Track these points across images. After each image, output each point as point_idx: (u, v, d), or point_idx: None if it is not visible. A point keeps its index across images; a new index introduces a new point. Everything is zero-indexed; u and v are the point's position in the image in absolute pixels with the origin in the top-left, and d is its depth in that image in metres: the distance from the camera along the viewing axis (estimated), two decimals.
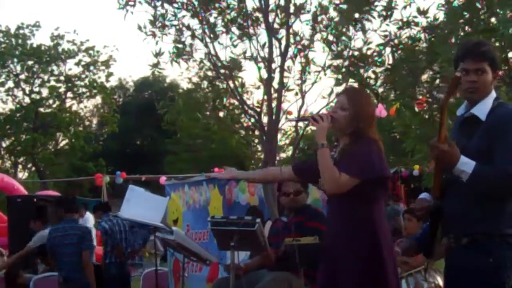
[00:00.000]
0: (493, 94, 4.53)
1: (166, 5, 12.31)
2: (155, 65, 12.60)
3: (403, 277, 6.57)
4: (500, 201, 4.34)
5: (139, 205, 8.73)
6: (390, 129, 42.44)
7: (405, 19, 10.80)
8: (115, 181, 26.38)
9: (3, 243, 16.34)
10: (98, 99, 43.12)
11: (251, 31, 12.22)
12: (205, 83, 13.78)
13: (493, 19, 9.79)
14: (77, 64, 39.71)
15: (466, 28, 9.82)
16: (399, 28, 10.68)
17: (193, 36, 12.34)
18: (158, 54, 12.31)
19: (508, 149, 4.26)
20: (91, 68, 40.05)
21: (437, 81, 11.27)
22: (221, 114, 13.64)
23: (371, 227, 4.88)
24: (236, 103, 13.32)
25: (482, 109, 4.48)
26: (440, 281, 6.56)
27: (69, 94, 40.61)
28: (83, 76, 40.06)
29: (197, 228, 11.59)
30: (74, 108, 41.47)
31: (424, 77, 11.55)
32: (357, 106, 5.00)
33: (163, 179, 25.89)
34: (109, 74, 40.81)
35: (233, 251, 6.59)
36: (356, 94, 5.24)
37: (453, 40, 9.71)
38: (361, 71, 10.64)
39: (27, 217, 13.12)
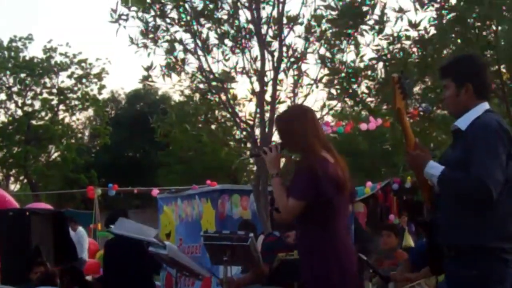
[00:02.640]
0: (482, 106, 4.61)
1: (158, 20, 12.34)
2: (146, 79, 12.61)
3: None
4: (483, 213, 4.36)
5: (131, 227, 8.80)
6: (382, 142, 42.68)
7: (395, 34, 10.88)
8: (107, 193, 26.34)
9: None
10: (90, 112, 43.08)
11: (243, 44, 12.27)
12: (197, 96, 13.81)
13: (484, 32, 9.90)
14: (70, 76, 39.70)
15: (458, 41, 9.93)
16: (390, 44, 10.73)
17: (185, 50, 12.37)
18: (149, 68, 12.33)
19: (478, 157, 4.32)
20: (84, 80, 40.02)
21: (429, 94, 11.39)
22: (213, 127, 13.66)
23: (322, 250, 4.87)
24: (228, 115, 13.30)
25: (464, 121, 4.58)
26: None
27: (62, 107, 40.59)
28: (75, 88, 40.04)
29: (190, 242, 11.63)
30: (67, 120, 41.46)
31: (416, 89, 11.64)
32: (284, 129, 5.16)
33: (155, 191, 25.95)
34: (102, 87, 40.80)
35: (226, 265, 6.61)
36: (281, 117, 5.39)
37: (444, 53, 9.83)
38: (355, 86, 10.69)
39: (19, 231, 13.04)
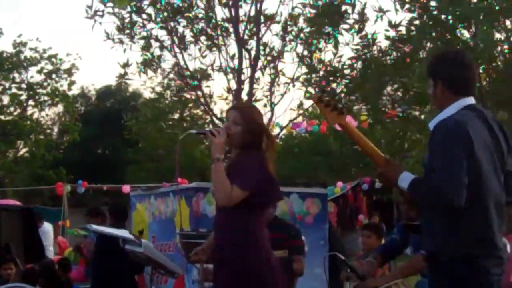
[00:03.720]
0: (458, 104, 4.45)
1: (134, 16, 12.22)
2: (122, 76, 12.48)
3: None
4: (454, 219, 4.24)
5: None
6: (353, 142, 42.89)
7: (372, 35, 10.87)
8: (76, 190, 26.10)
9: None
10: (59, 108, 42.75)
11: (220, 41, 12.20)
12: (168, 93, 13.71)
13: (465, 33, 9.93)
14: (39, 72, 39.26)
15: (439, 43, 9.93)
16: (367, 46, 10.71)
17: (161, 47, 12.27)
18: (126, 65, 12.19)
19: (437, 163, 4.21)
20: (53, 76, 39.65)
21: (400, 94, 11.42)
22: (185, 124, 13.60)
23: (253, 237, 5.08)
24: (203, 114, 13.28)
25: (434, 121, 4.45)
26: None
27: (31, 102, 40.19)
28: (45, 84, 39.65)
29: (163, 240, 11.52)
30: (36, 116, 41.07)
31: (388, 89, 11.64)
32: (249, 121, 5.15)
33: (126, 188, 25.73)
34: (72, 83, 40.40)
35: (202, 264, 6.55)
36: (248, 110, 5.44)
37: (423, 55, 9.82)
38: (334, 85, 10.66)
39: None
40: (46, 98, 40.06)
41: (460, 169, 4.15)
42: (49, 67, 39.39)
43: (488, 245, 4.29)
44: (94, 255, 10.06)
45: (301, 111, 12.05)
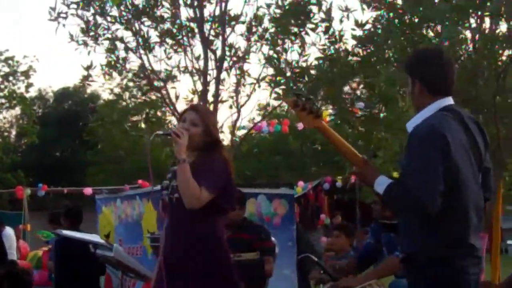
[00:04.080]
0: (436, 105, 4.40)
1: (98, 18, 12.13)
2: (86, 78, 12.38)
3: None
4: (430, 221, 4.20)
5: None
6: (312, 141, 42.97)
7: (339, 33, 10.91)
8: (36, 193, 25.85)
9: None
10: (17, 110, 42.28)
11: (185, 42, 12.17)
12: (127, 94, 13.67)
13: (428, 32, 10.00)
14: None
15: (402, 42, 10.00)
16: (333, 43, 10.75)
17: (126, 49, 12.20)
18: (89, 67, 12.10)
19: (412, 168, 4.18)
20: (10, 78, 39.23)
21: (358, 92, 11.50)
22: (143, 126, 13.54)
23: (214, 239, 5.05)
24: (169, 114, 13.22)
25: (411, 123, 4.43)
26: None
27: None
28: (2, 86, 39.17)
29: (130, 243, 11.46)
30: None
31: (346, 88, 11.72)
32: (207, 121, 5.15)
33: (88, 190, 25.54)
34: (29, 85, 40.01)
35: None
36: (206, 111, 5.47)
37: (389, 54, 9.91)
38: (301, 86, 10.68)
39: None
40: (3, 100, 39.61)
41: (435, 174, 4.12)
42: (6, 69, 38.94)
43: (466, 245, 4.28)
44: (57, 259, 9.96)
45: (267, 112, 12.07)
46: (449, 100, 4.48)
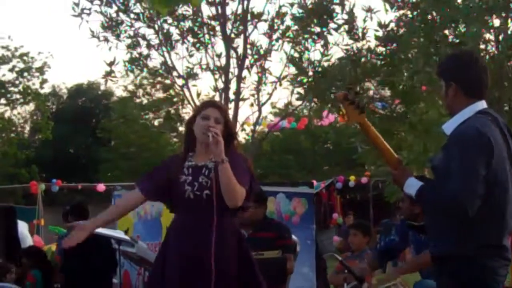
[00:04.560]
0: (473, 108, 4.43)
1: (121, 15, 12.19)
2: (108, 74, 12.43)
3: None
4: (463, 222, 4.23)
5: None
6: (324, 140, 42.95)
7: (361, 31, 10.91)
8: (50, 189, 25.96)
9: None
10: (31, 106, 42.40)
11: (206, 40, 12.23)
12: (140, 91, 13.72)
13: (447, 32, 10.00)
14: (11, 70, 38.92)
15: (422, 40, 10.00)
16: (356, 40, 10.75)
17: (148, 46, 12.25)
18: (112, 63, 12.15)
19: (456, 171, 4.18)
20: (25, 74, 39.36)
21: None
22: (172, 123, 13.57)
23: (241, 235, 5.18)
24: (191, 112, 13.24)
25: (449, 125, 4.46)
26: None
27: (2, 100, 39.85)
28: (16, 82, 39.34)
29: (149, 240, 11.49)
30: (7, 114, 40.75)
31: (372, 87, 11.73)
32: (228, 118, 5.21)
33: (101, 187, 25.64)
34: (43, 81, 40.17)
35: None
36: (224, 107, 5.46)
37: (413, 54, 9.91)
38: (323, 86, 10.68)
39: None
40: (18, 96, 39.75)
41: (477, 180, 4.15)
42: (21, 65, 39.07)
43: (498, 247, 4.32)
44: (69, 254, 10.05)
45: (285, 112, 12.12)
46: (484, 104, 4.52)
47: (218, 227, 4.97)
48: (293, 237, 8.23)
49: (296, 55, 11.46)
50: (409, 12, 10.29)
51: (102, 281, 9.94)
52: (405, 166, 4.60)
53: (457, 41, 9.57)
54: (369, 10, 10.56)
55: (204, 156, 5.17)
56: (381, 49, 10.76)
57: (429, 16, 10.09)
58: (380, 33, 10.60)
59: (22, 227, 16.58)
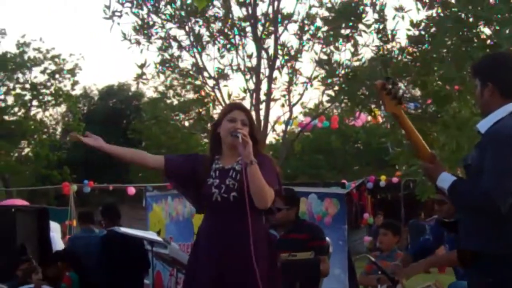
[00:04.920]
0: (507, 108, 4.43)
1: (153, 17, 12.26)
2: (140, 76, 12.50)
3: None
4: (497, 220, 4.22)
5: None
6: (355, 140, 42.84)
7: (391, 32, 10.86)
8: (82, 190, 26.16)
9: None
10: (63, 107, 42.71)
11: (237, 41, 12.26)
12: (170, 93, 13.77)
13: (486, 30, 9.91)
14: (43, 72, 39.29)
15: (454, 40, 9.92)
16: (385, 42, 10.71)
17: (179, 47, 12.31)
18: (143, 65, 12.22)
19: (489, 168, 4.18)
20: (57, 76, 39.68)
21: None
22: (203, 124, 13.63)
23: (268, 238, 5.18)
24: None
25: (484, 124, 4.46)
26: None
27: (35, 102, 40.19)
28: (48, 84, 39.67)
29: (181, 241, 11.54)
30: (39, 116, 41.09)
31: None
32: (252, 120, 5.25)
33: (131, 190, 25.78)
34: (75, 83, 40.52)
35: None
36: (248, 109, 5.45)
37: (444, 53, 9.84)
38: (354, 87, 10.63)
39: (4, 228, 12.87)
40: (49, 98, 40.08)
41: (510, 178, 4.17)
42: (53, 67, 39.43)
43: None
44: (103, 254, 10.17)
45: (316, 113, 12.14)
46: None
47: (252, 229, 4.94)
48: (326, 238, 8.22)
49: (324, 57, 11.43)
50: (440, 11, 10.20)
51: (134, 281, 10.04)
52: (439, 161, 4.60)
53: (490, 42, 9.48)
54: (400, 9, 10.50)
55: (231, 159, 5.20)
56: (412, 48, 10.69)
57: (462, 14, 10.01)
58: (411, 33, 10.53)
59: (54, 228, 16.72)
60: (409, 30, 10.58)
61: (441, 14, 9.98)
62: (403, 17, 10.63)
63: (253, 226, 4.94)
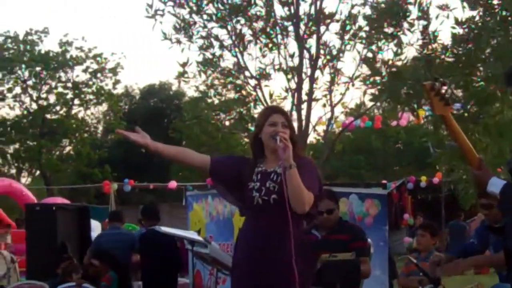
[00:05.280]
0: None
1: (195, 16, 12.26)
2: (182, 75, 12.53)
3: None
4: None
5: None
6: (395, 140, 42.64)
7: (431, 34, 10.78)
8: (122, 188, 26.32)
9: (16, 250, 16.30)
10: (104, 106, 42.99)
11: (279, 40, 12.26)
12: (211, 92, 13.81)
13: None
14: (85, 71, 39.62)
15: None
16: (427, 44, 10.62)
17: (221, 46, 12.33)
18: (185, 64, 12.24)
19: None
20: (98, 75, 39.97)
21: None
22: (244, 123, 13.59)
23: (302, 242, 5.10)
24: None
25: None
26: None
27: (76, 101, 40.51)
28: (90, 83, 39.98)
29: (221, 240, 11.49)
30: (81, 115, 41.43)
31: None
32: (292, 123, 5.21)
33: (172, 184, 25.80)
34: (116, 82, 40.79)
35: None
36: (286, 112, 5.43)
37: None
38: (397, 86, 10.56)
39: (46, 226, 13.00)
40: (91, 97, 40.39)
41: None
42: (94, 66, 39.76)
43: None
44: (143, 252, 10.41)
45: (359, 113, 12.10)
46: None
47: (293, 232, 4.92)
48: (368, 239, 8.14)
49: (370, 55, 11.34)
50: (479, 11, 10.10)
51: (166, 280, 10.21)
52: (486, 166, 4.51)
53: None
54: (445, 7, 10.39)
55: (273, 162, 5.18)
56: (455, 48, 10.58)
57: (508, 14, 9.89)
58: (456, 31, 10.42)
59: (95, 227, 16.85)
60: (454, 28, 10.47)
61: (485, 14, 9.89)
62: (447, 16, 10.52)
63: (293, 229, 4.91)
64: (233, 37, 12.37)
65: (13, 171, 42.80)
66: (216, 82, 13.71)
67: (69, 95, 40.06)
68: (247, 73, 12.59)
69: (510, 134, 9.45)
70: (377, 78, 10.93)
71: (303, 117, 12.60)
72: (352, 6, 12.19)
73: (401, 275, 8.66)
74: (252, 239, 5.13)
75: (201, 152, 5.30)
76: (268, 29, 12.48)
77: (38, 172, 42.93)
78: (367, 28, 11.69)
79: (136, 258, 10.58)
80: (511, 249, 4.42)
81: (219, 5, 12.25)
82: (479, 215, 19.31)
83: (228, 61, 12.75)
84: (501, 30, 9.65)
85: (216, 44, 12.46)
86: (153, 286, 10.22)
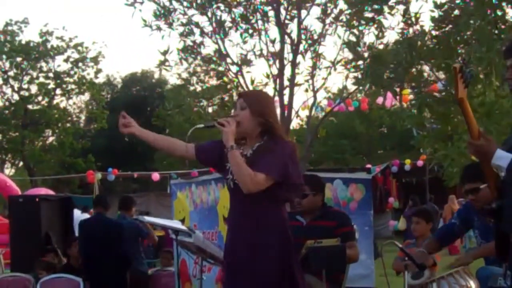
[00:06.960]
0: None
1: (174, 3, 12.17)
2: (162, 63, 12.46)
3: (435, 279, 6.48)
4: None
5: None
6: (379, 124, 42.67)
7: (413, 16, 10.76)
8: (106, 178, 26.25)
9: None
10: (86, 96, 42.87)
11: (259, 26, 12.19)
12: (194, 79, 13.73)
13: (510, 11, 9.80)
14: (66, 60, 39.47)
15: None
16: (410, 25, 10.60)
17: (202, 33, 12.26)
18: (166, 52, 12.17)
19: None
20: (80, 64, 39.81)
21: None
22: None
23: (281, 228, 4.99)
24: None
25: None
26: (473, 284, 6.44)
27: (58, 91, 40.35)
28: (72, 72, 39.82)
29: (205, 228, 11.45)
30: (63, 104, 41.26)
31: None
32: (254, 103, 5.04)
33: (155, 176, 25.81)
34: (98, 71, 40.64)
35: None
36: (252, 93, 5.43)
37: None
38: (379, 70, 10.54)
39: (29, 217, 12.94)
40: (73, 86, 40.25)
41: None
42: (76, 55, 39.62)
43: None
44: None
45: (341, 97, 12.04)
46: None
47: (255, 216, 4.96)
48: (353, 224, 8.11)
49: (353, 38, 11.31)
50: None
51: (125, 269, 10.34)
52: (490, 137, 4.41)
53: None
54: None
55: (248, 146, 5.15)
56: (435, 32, 10.57)
57: None
58: (435, 14, 10.40)
59: (78, 217, 16.78)
60: (432, 11, 10.45)
61: None
62: (426, 0, 10.51)
63: (260, 213, 4.95)
64: (214, 24, 12.30)
65: None
66: (198, 69, 13.65)
67: (51, 85, 39.89)
68: (228, 60, 12.54)
69: (495, 115, 9.42)
70: (360, 62, 10.89)
71: (286, 102, 12.56)
72: None
73: (396, 259, 8.62)
74: (231, 219, 5.20)
75: (184, 140, 5.26)
76: (248, 15, 12.41)
77: (21, 163, 42.78)
78: (348, 12, 11.65)
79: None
80: (508, 233, 4.33)
81: None
82: (449, 203, 19.39)
83: (209, 48, 12.72)
84: (479, 12, 9.64)
85: (196, 31, 12.41)
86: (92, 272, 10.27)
